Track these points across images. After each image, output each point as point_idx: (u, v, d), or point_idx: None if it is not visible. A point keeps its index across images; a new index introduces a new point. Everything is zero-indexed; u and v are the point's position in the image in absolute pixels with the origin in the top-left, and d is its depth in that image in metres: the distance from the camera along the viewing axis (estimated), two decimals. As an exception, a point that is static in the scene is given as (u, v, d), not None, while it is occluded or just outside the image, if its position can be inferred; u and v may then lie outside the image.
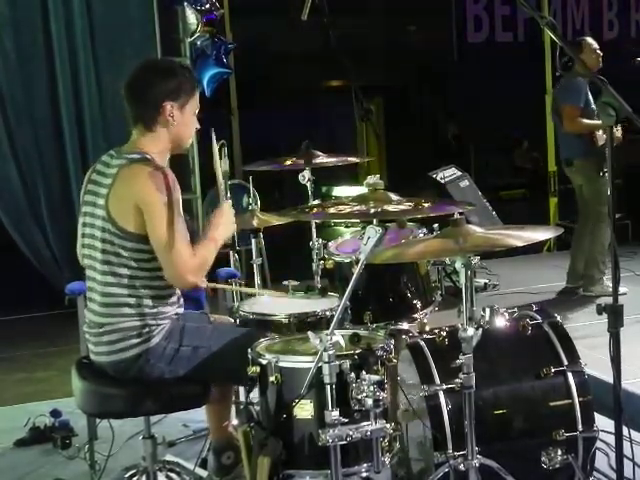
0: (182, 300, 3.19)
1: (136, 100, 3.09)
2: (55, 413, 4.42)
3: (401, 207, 2.94)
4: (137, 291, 3.02)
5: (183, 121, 3.10)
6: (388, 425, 2.63)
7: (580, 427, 3.08)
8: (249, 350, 2.87)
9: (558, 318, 3.30)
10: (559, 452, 3.04)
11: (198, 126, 3.22)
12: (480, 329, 2.74)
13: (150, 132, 3.08)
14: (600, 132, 6.04)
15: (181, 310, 3.17)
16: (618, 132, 6.02)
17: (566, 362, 3.14)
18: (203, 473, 3.52)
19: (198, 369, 3.08)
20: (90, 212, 3.08)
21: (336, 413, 2.57)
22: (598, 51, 6.26)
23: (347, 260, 3.82)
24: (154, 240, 2.94)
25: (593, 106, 6.16)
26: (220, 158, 3.99)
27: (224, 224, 3.14)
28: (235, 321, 3.47)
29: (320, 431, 2.57)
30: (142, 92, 3.07)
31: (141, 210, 2.93)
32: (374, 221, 3.17)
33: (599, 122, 6.11)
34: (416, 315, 3.77)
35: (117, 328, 3.03)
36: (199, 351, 3.09)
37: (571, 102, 6.16)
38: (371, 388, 2.59)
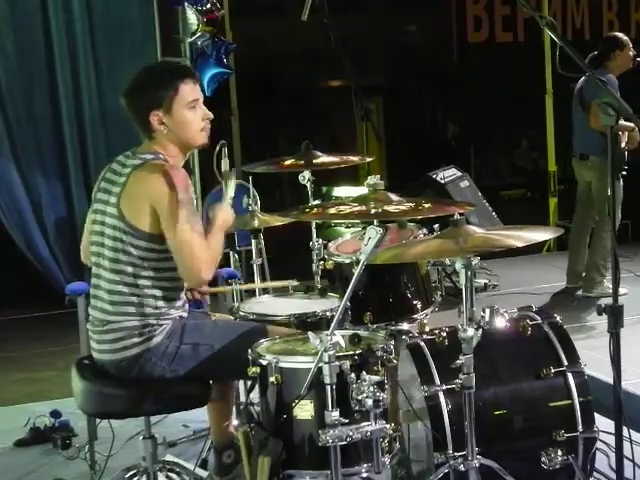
0: (187, 305, 3.19)
1: (130, 116, 3.11)
2: (55, 413, 4.42)
3: (401, 207, 2.93)
4: (141, 291, 3.02)
5: (177, 122, 3.06)
6: (388, 425, 2.64)
7: (580, 427, 3.08)
8: (249, 351, 2.87)
9: (558, 318, 3.29)
10: (559, 452, 3.04)
11: (210, 116, 3.14)
12: (480, 330, 2.75)
13: (153, 140, 3.10)
14: (626, 133, 5.90)
15: (185, 314, 3.17)
16: (636, 133, 5.93)
17: (566, 362, 3.14)
18: (203, 473, 3.52)
19: (200, 367, 3.08)
20: (102, 210, 3.09)
21: (336, 413, 2.57)
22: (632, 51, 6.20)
23: (347, 261, 3.82)
24: (169, 236, 2.95)
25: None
26: (220, 158, 4.00)
27: (223, 210, 3.16)
28: (235, 321, 3.47)
29: (320, 431, 2.57)
30: (130, 109, 3.10)
31: (155, 209, 2.94)
32: (374, 222, 3.17)
33: (628, 124, 5.96)
34: (416, 316, 3.77)
35: (120, 327, 3.03)
36: (200, 348, 3.08)
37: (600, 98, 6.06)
38: (371, 389, 2.59)
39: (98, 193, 3.14)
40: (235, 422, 3.52)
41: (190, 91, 3.09)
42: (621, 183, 6.03)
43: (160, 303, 3.05)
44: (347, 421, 2.58)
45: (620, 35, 6.32)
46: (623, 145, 5.83)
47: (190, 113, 3.09)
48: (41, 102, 6.20)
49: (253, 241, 4.02)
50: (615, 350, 2.86)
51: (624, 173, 5.95)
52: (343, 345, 2.62)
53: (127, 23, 6.26)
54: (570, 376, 3.12)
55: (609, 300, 2.89)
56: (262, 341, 2.97)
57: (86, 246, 3.24)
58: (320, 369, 2.58)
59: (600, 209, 6.22)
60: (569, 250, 6.61)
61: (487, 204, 7.28)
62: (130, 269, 3.01)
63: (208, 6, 6.19)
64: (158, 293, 3.04)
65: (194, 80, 3.12)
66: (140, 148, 3.12)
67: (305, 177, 4.01)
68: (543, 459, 3.04)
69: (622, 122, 5.96)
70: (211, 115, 3.15)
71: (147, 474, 3.28)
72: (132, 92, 3.10)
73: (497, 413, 3.08)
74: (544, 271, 7.28)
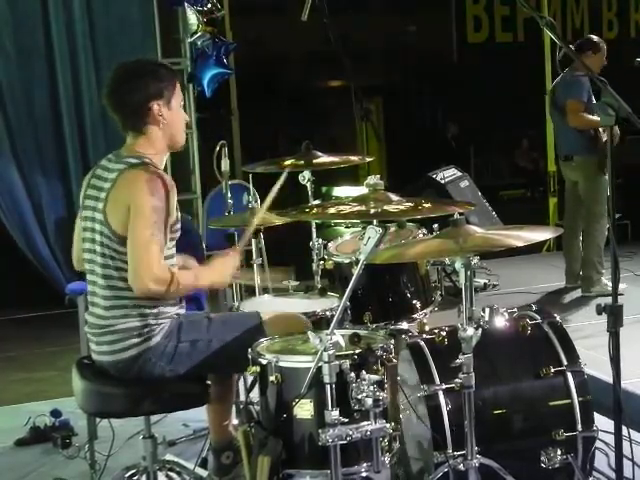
0: (184, 302, 3.19)
1: (122, 107, 3.08)
2: (55, 413, 4.42)
3: (401, 207, 2.93)
4: (135, 293, 3.01)
5: (173, 117, 3.10)
6: (388, 425, 2.64)
7: (579, 427, 3.08)
8: (249, 350, 2.87)
9: (558, 318, 3.30)
10: (559, 452, 3.05)
11: (187, 118, 3.22)
12: (480, 329, 2.75)
13: (143, 135, 3.09)
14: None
15: (182, 311, 3.17)
16: (616, 131, 5.99)
17: (566, 362, 3.14)
18: (203, 473, 3.53)
19: (199, 363, 3.08)
20: (90, 216, 3.08)
21: (336, 413, 2.57)
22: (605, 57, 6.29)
23: (347, 260, 3.82)
24: (131, 238, 2.92)
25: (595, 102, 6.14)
26: (220, 158, 4.00)
27: (220, 271, 3.15)
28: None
29: (320, 431, 2.57)
30: (126, 99, 3.06)
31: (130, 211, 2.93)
32: (374, 221, 3.17)
33: (595, 119, 6.06)
34: (416, 315, 3.77)
35: (118, 329, 3.03)
36: (197, 345, 3.08)
37: (574, 97, 6.13)
38: (371, 388, 2.60)
39: (86, 200, 3.12)
40: (235, 421, 3.52)
41: (180, 92, 3.16)
42: (607, 178, 6.06)
43: (157, 302, 3.04)
44: (347, 420, 2.58)
45: (601, 42, 6.36)
46: (605, 140, 5.87)
47: (181, 111, 3.17)
48: (41, 102, 6.22)
49: (253, 241, 4.02)
50: (614, 349, 2.86)
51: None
52: (343, 344, 2.62)
53: (127, 23, 6.28)
54: (570, 375, 3.12)
55: (608, 299, 2.89)
56: (262, 340, 2.97)
57: (78, 251, 3.23)
58: (320, 368, 2.58)
59: (590, 207, 6.25)
60: (563, 250, 6.63)
61: (487, 204, 7.28)
62: (122, 273, 3.00)
63: (209, 6, 6.20)
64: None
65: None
66: (123, 150, 3.11)
67: (305, 177, 4.01)
68: (543, 458, 3.05)
69: (591, 117, 6.03)
70: (188, 118, 3.25)
71: (147, 473, 3.28)
72: (130, 82, 3.05)
73: (497, 412, 3.09)
74: (544, 271, 7.28)
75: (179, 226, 3.09)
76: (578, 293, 6.41)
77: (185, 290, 3.05)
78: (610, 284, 2.94)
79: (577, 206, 6.42)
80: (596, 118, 6.03)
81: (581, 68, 6.01)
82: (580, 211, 6.41)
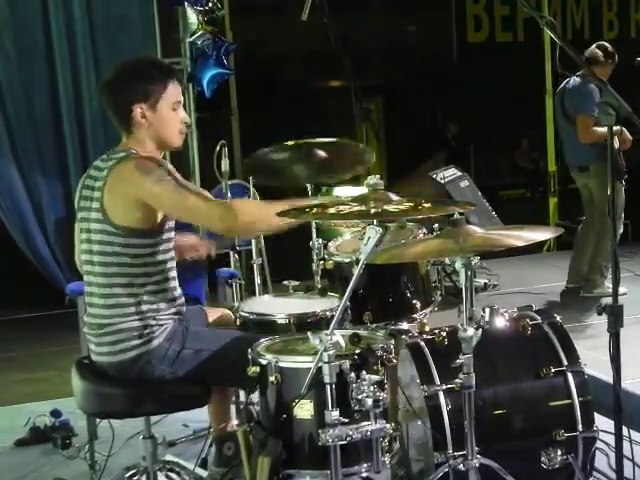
0: (183, 298, 3.19)
1: (109, 107, 3.11)
2: (55, 413, 4.42)
3: (401, 207, 2.93)
4: (136, 289, 3.02)
5: (159, 120, 3.08)
6: (388, 425, 2.63)
7: (580, 427, 3.08)
8: (249, 350, 2.87)
9: (558, 318, 3.29)
10: (559, 452, 3.04)
11: (188, 120, 3.19)
12: (480, 329, 2.74)
13: (131, 134, 3.10)
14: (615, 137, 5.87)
15: (183, 309, 3.17)
16: (626, 134, 5.93)
17: (566, 362, 3.13)
18: (203, 473, 3.52)
19: (199, 371, 3.08)
20: (85, 217, 3.09)
21: (336, 413, 2.57)
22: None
23: (347, 260, 3.82)
24: (174, 213, 3.00)
25: None
26: (220, 158, 4.00)
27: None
28: (235, 320, 3.47)
29: (320, 431, 2.57)
30: (111, 100, 3.09)
31: (142, 204, 2.94)
32: (374, 221, 3.17)
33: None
34: (416, 315, 3.77)
35: (118, 329, 3.03)
36: (201, 354, 3.08)
37: (585, 112, 6.02)
38: (371, 388, 2.59)
39: (80, 201, 3.13)
40: (235, 422, 3.52)
41: (176, 92, 3.13)
42: (622, 188, 6.04)
43: (156, 299, 3.05)
44: (347, 421, 2.58)
45: (614, 52, 6.31)
46: (616, 146, 5.78)
47: (173, 113, 3.12)
48: (41, 102, 6.22)
49: (253, 241, 4.02)
50: (615, 350, 2.85)
51: (626, 177, 5.97)
52: (343, 345, 2.62)
53: (127, 23, 6.28)
54: (570, 376, 3.11)
55: (609, 300, 2.89)
56: (262, 340, 2.97)
57: (78, 254, 3.24)
58: (320, 369, 2.58)
59: (603, 212, 6.21)
60: (575, 250, 6.59)
61: (487, 204, 7.28)
62: (123, 270, 3.01)
63: (209, 6, 6.20)
64: (153, 288, 3.04)
65: (180, 82, 3.16)
66: (115, 149, 3.12)
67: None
68: (543, 459, 3.04)
69: (602, 129, 5.96)
70: (189, 120, 3.22)
71: (147, 474, 3.28)
72: (118, 83, 3.08)
73: (497, 413, 3.08)
74: (544, 271, 7.29)
75: None
76: (579, 293, 6.40)
77: (262, 213, 3.01)
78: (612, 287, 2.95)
79: (593, 211, 6.39)
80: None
81: (588, 74, 5.94)
82: (595, 215, 6.38)
